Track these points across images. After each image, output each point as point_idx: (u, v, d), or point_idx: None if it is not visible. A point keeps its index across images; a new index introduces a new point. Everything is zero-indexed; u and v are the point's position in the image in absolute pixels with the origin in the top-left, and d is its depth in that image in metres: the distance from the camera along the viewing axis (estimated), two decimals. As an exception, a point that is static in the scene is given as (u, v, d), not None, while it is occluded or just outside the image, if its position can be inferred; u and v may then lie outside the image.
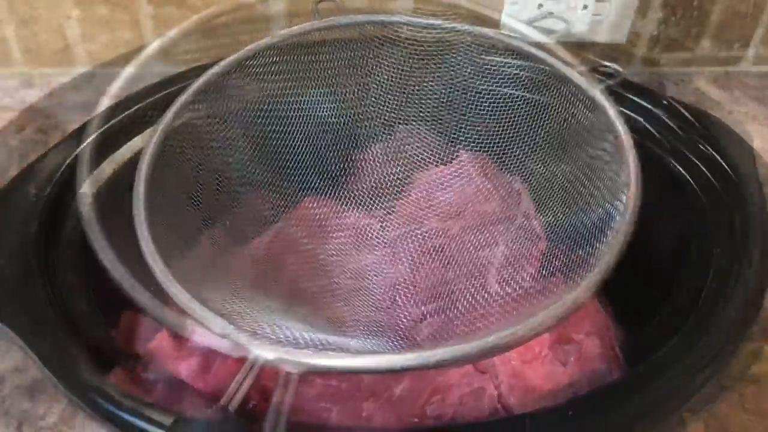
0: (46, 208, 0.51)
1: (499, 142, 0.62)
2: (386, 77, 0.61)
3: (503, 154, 0.63)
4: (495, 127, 0.61)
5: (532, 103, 0.59)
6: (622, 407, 0.41)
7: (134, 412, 0.40)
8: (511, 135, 0.61)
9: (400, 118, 0.62)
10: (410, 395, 0.49)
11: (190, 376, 0.50)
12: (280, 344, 0.40)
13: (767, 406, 0.47)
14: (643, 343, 0.51)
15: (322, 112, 0.60)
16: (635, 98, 0.61)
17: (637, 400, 0.41)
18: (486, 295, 0.57)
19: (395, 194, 0.64)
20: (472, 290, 0.58)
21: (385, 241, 0.62)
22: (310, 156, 0.60)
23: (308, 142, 0.60)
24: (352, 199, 0.63)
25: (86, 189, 0.46)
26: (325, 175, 0.61)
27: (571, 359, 0.51)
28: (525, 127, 0.60)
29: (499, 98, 0.61)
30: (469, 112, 0.62)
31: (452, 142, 0.64)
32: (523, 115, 0.60)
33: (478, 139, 0.64)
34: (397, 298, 0.59)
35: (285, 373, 0.38)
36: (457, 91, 0.62)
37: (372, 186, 0.63)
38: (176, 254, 0.46)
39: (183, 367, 0.50)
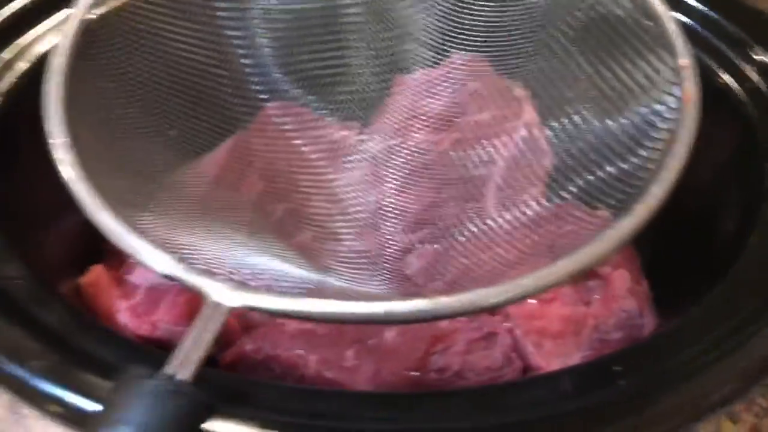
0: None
1: (497, 39, 0.52)
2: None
3: (502, 54, 0.52)
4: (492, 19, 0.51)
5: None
6: (677, 360, 0.33)
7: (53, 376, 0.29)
8: (511, 30, 0.51)
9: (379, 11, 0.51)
10: (406, 343, 0.40)
11: (132, 321, 0.40)
12: (245, 286, 0.30)
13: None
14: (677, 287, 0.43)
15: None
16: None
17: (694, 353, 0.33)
18: (487, 222, 0.47)
19: (374, 102, 0.54)
20: (470, 215, 0.48)
21: (363, 156, 0.52)
22: (277, 52, 0.49)
23: (275, 33, 0.49)
24: (323, 106, 0.52)
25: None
26: (293, 77, 0.50)
27: (596, 297, 0.42)
28: (529, 19, 0.49)
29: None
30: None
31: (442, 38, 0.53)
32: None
33: (472, 35, 0.53)
34: (380, 224, 0.50)
35: (212, 301, 0.29)
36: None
37: (347, 91, 0.52)
38: (104, 173, 0.35)
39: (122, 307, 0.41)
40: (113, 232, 0.30)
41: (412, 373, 0.39)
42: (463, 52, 0.54)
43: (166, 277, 0.30)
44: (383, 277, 0.47)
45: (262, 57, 0.50)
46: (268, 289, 0.33)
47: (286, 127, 0.51)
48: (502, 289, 0.29)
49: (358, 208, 0.50)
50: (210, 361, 0.28)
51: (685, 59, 0.38)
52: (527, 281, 0.30)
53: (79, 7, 0.38)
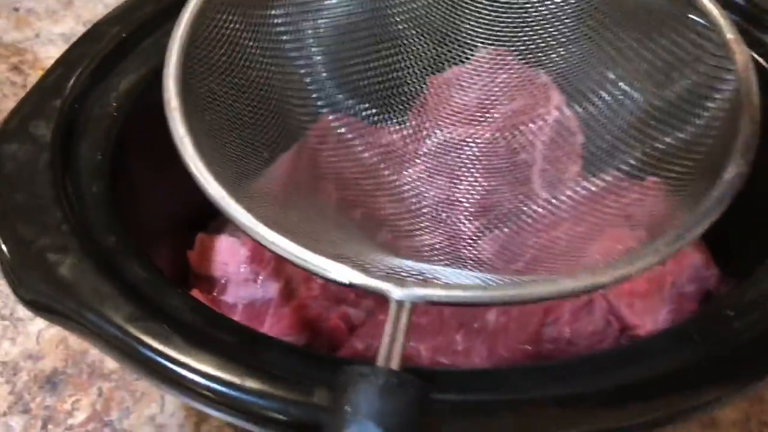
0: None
1: (527, 31, 0.56)
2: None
3: (529, 45, 0.56)
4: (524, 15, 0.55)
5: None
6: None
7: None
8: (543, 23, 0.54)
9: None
10: (515, 319, 0.43)
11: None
12: (422, 282, 0.33)
13: None
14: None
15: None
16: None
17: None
18: (545, 200, 0.51)
19: (418, 103, 0.57)
20: (525, 196, 0.52)
21: (417, 155, 0.55)
22: (328, 66, 0.52)
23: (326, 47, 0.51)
24: (374, 112, 0.55)
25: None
26: (345, 87, 0.52)
27: (668, 256, 0.47)
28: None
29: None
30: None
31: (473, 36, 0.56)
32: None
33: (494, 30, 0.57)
34: (445, 216, 0.53)
35: (395, 301, 0.32)
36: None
37: (394, 95, 0.55)
38: (233, 182, 0.38)
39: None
40: (296, 253, 0.33)
41: (527, 346, 0.43)
42: (491, 47, 0.57)
43: (348, 285, 0.32)
44: (461, 265, 0.50)
45: (317, 71, 0.52)
46: (446, 284, 0.36)
47: (344, 135, 0.54)
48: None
49: (423, 203, 0.53)
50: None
51: (731, 34, 0.43)
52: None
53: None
